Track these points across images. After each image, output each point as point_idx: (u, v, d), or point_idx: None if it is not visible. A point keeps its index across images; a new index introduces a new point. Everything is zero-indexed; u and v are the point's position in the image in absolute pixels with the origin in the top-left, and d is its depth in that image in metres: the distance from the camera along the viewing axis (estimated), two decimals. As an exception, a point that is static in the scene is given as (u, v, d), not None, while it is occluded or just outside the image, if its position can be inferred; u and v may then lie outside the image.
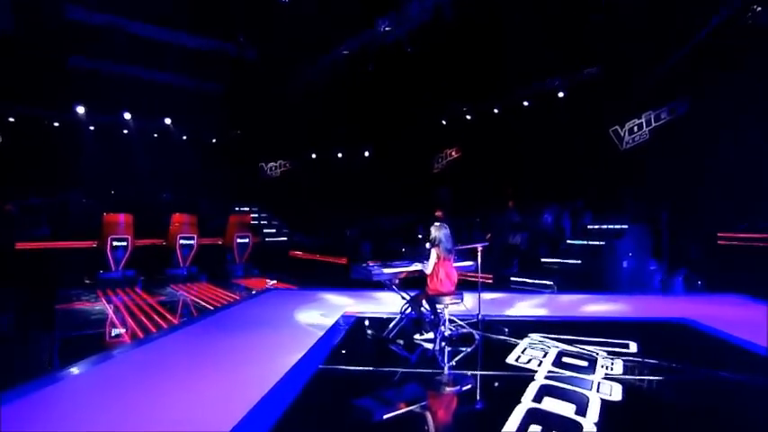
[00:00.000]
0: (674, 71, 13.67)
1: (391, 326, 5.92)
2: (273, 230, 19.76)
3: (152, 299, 9.80)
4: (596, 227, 13.23)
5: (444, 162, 20.42)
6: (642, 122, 15.35)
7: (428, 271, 5.65)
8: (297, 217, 20.25)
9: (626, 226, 12.50)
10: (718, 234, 10.34)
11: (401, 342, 5.63)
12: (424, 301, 5.87)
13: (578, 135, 15.65)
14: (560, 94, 15.96)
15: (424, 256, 6.23)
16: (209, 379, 4.42)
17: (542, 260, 12.64)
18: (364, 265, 5.90)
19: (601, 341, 5.61)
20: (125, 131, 18.27)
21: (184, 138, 19.89)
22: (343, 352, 5.46)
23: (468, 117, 18.38)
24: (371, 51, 15.90)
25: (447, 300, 5.56)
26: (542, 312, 7.61)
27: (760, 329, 5.82)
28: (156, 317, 7.97)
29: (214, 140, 21.07)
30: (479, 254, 6.33)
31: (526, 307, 7.94)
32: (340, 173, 21.08)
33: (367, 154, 21.41)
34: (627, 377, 4.47)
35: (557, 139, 15.90)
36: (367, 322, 6.22)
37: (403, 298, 6.09)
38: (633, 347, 5.38)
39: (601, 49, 14.58)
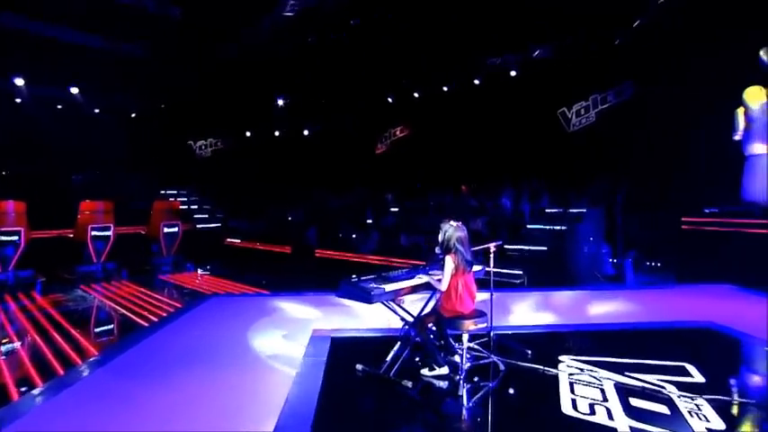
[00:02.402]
0: (621, 54, 13.00)
1: (390, 357, 4.22)
2: (205, 216, 17.13)
3: (52, 307, 7.38)
4: (554, 210, 12.34)
5: (389, 141, 18.76)
6: (589, 105, 14.66)
7: (443, 286, 4.01)
8: (232, 201, 17.74)
9: (584, 210, 11.71)
10: (682, 219, 9.64)
11: (409, 384, 3.96)
12: (430, 324, 4.27)
13: (531, 116, 14.69)
14: (512, 73, 14.81)
15: (432, 266, 4.59)
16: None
17: (505, 246, 11.49)
18: (354, 279, 4.13)
19: (650, 364, 4.32)
20: (18, 100, 14.64)
21: (97, 111, 16.50)
22: (331, 400, 3.72)
23: (417, 95, 16.77)
24: (315, 21, 13.73)
25: (468, 323, 3.98)
26: (546, 318, 6.26)
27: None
28: (54, 333, 5.72)
29: (134, 114, 17.76)
30: (492, 256, 4.80)
31: (519, 309, 6.59)
32: (279, 152, 18.72)
33: (307, 132, 19.20)
34: None
35: (509, 119, 14.84)
36: (359, 366, 4.31)
37: (403, 319, 4.42)
38: (694, 372, 4.13)
39: (551, 29, 13.56)
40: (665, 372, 4.16)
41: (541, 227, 11.80)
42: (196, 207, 17.65)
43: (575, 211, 11.67)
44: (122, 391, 3.99)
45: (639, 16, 12.30)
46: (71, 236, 11.37)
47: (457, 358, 4.35)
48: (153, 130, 17.68)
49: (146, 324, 6.39)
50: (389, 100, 17.46)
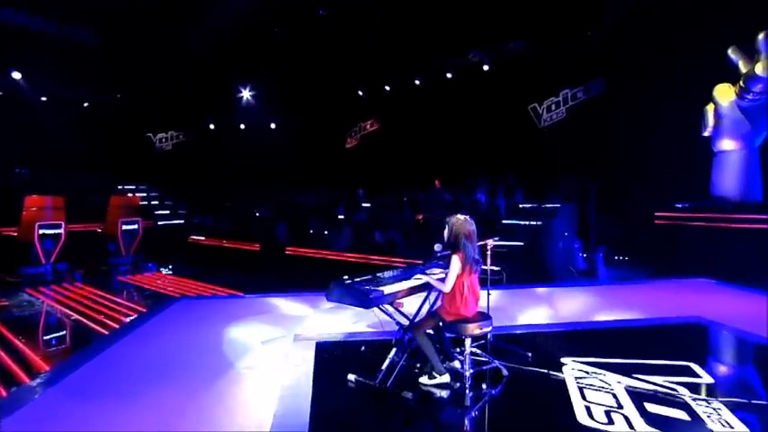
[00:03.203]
0: (591, 51, 13.07)
1: (385, 365, 3.84)
2: (167, 212, 16.17)
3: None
4: (529, 205, 12.27)
5: (360, 135, 18.32)
6: (560, 101, 14.71)
7: (446, 287, 3.66)
8: (195, 196, 16.83)
9: (558, 205, 11.70)
10: (656, 213, 9.73)
11: (409, 395, 3.60)
12: (428, 328, 3.92)
13: (502, 111, 14.62)
14: (485, 68, 14.68)
15: (428, 264, 4.24)
16: None
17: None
18: (348, 281, 3.72)
19: (655, 365, 4.14)
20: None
21: (44, 99, 15.21)
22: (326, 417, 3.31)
23: (388, 88, 16.40)
24: (282, 10, 13.13)
25: (472, 327, 3.65)
26: (535, 317, 6.02)
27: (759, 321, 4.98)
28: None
29: (86, 104, 16.50)
30: (489, 252, 4.51)
31: (505, 308, 6.35)
32: (245, 146, 17.90)
33: (274, 126, 18.48)
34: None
35: (481, 114, 14.71)
36: (352, 377, 3.88)
37: (398, 323, 4.05)
38: (700, 372, 3.97)
39: (525, 23, 13.50)
40: (671, 372, 3.99)
41: (517, 222, 11.71)
42: (157, 203, 16.63)
43: (549, 206, 11.63)
44: (79, 415, 3.43)
45: (610, 12, 12.37)
46: (15, 234, 10.35)
47: (457, 364, 4.03)
48: (108, 121, 16.50)
49: (105, 332, 5.75)
50: (360, 93, 17.01)
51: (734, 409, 3.30)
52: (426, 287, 3.97)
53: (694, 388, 3.65)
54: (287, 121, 17.83)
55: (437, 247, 4.01)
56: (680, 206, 9.41)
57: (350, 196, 15.51)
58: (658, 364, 4.15)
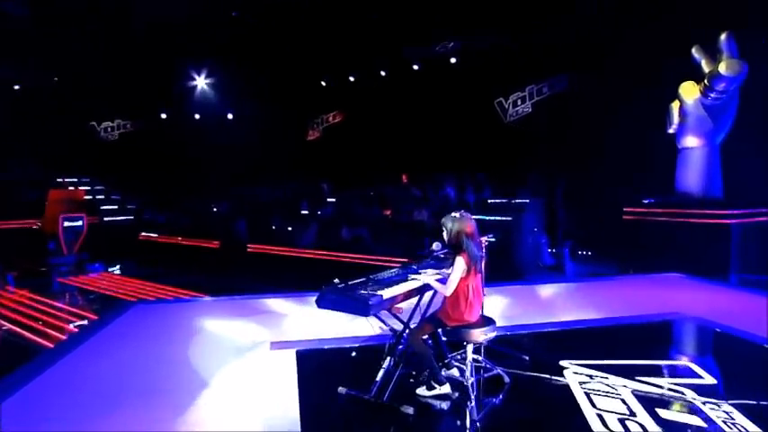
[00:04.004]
0: (557, 45, 13.20)
1: (380, 377, 3.50)
2: (114, 207, 15.03)
3: None
4: (497, 201, 12.28)
5: (322, 127, 17.80)
6: (525, 95, 14.82)
7: (448, 290, 3.37)
8: (146, 190, 15.75)
9: (527, 200, 11.77)
10: (624, 209, 9.89)
11: (410, 410, 3.28)
12: (423, 333, 3.61)
13: (469, 105, 14.56)
14: (452, 60, 14.56)
15: (422, 264, 3.93)
16: None
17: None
18: (341, 284, 3.33)
19: (654, 365, 4.05)
20: None
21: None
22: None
23: (352, 79, 15.97)
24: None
25: (477, 334, 3.38)
26: (521, 317, 5.83)
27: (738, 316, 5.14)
28: None
29: (17, 87, 14.99)
30: (484, 251, 4.24)
31: (488, 307, 6.16)
32: (200, 137, 16.93)
33: (231, 116, 17.61)
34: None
35: (447, 107, 14.60)
36: (343, 390, 3.51)
37: (393, 330, 3.73)
38: (701, 372, 3.90)
39: (492, 15, 13.46)
40: (672, 373, 3.90)
41: (487, 218, 11.67)
42: (102, 197, 15.42)
43: (518, 201, 11.66)
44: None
45: (576, 7, 12.48)
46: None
47: (455, 372, 3.77)
48: (43, 106, 15.07)
49: (45, 343, 5.08)
50: (323, 83, 16.48)
51: (744, 411, 3.21)
52: (423, 289, 3.66)
53: (699, 389, 3.56)
54: (245, 111, 17.02)
55: (436, 245, 3.73)
56: (646, 202, 9.61)
57: (313, 191, 15.01)
58: (657, 365, 4.06)
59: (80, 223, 10.64)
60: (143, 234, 13.33)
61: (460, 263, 3.31)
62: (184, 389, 3.65)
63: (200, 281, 8.39)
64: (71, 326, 6.17)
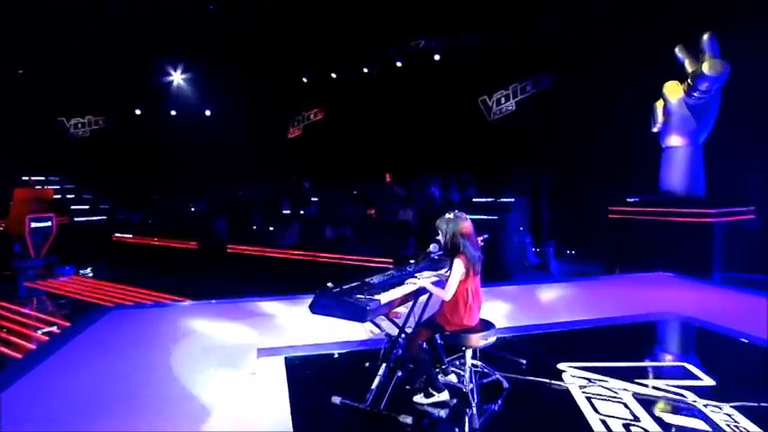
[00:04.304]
0: (541, 44, 13.27)
1: (375, 384, 3.37)
2: (86, 207, 14.50)
3: None
4: (483, 200, 12.26)
5: (303, 125, 17.55)
6: (509, 93, 14.87)
7: (447, 295, 3.26)
8: (120, 189, 15.26)
9: (513, 199, 11.79)
10: (610, 208, 9.98)
11: (408, 419, 3.16)
12: (421, 338, 3.50)
13: (452, 102, 14.54)
14: (436, 57, 14.51)
15: (422, 265, 3.81)
16: None
17: (438, 238, 11.11)
18: (335, 289, 3.19)
19: (651, 367, 4.03)
20: None
21: None
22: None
23: (334, 75, 15.77)
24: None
25: (477, 338, 3.29)
26: (512, 319, 5.79)
27: (731, 316, 5.17)
28: None
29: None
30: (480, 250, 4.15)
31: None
32: (176, 134, 16.48)
33: (209, 113, 17.21)
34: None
35: (431, 105, 14.55)
36: (337, 399, 3.36)
37: (388, 335, 3.61)
38: (698, 373, 3.89)
39: (476, 12, 13.46)
40: (670, 375, 3.89)
41: (472, 217, 11.63)
42: (73, 196, 14.85)
43: (504, 200, 11.67)
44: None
45: (559, 6, 12.56)
46: None
47: (452, 378, 3.67)
48: (9, 101, 14.42)
49: (15, 355, 4.79)
50: (304, 80, 16.24)
51: (747, 414, 3.20)
52: (420, 292, 3.54)
53: (699, 391, 3.54)
54: (224, 108, 16.64)
55: (433, 247, 3.61)
56: (631, 200, 9.70)
57: (294, 189, 14.78)
58: (654, 366, 4.05)
59: (49, 224, 10.20)
60: (117, 235, 12.89)
61: (459, 265, 3.21)
62: (166, 401, 3.45)
63: (178, 284, 8.12)
64: (39, 332, 5.88)
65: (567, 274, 10.24)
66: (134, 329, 5.11)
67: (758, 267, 8.50)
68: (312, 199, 13.64)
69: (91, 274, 9.89)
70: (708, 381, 3.73)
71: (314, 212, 12.63)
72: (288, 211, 13.22)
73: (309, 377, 3.87)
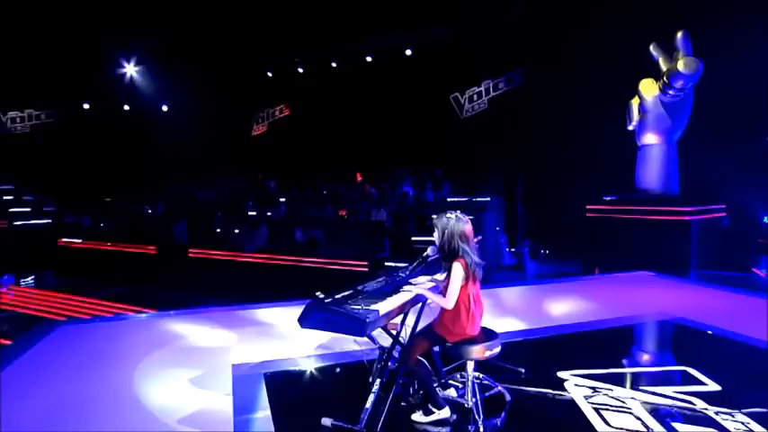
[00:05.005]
0: (512, 40, 13.34)
1: (369, 403, 3.09)
2: (27, 210, 13.50)
3: None
4: (457, 199, 12.16)
5: (268, 122, 17.04)
6: (482, 91, 14.90)
7: (449, 303, 3.03)
8: (66, 190, 14.32)
9: (488, 198, 11.74)
10: (587, 207, 10.07)
11: (408, 441, 2.92)
12: (418, 351, 3.25)
13: (424, 100, 14.43)
14: (407, 53, 14.36)
15: (419, 270, 3.57)
16: None
17: (413, 239, 10.94)
18: (327, 299, 2.89)
19: (654, 372, 3.94)
20: None
21: None
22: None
23: (301, 70, 15.37)
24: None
25: (480, 350, 3.08)
26: (501, 324, 5.64)
27: (724, 316, 5.20)
28: None
29: None
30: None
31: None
32: (130, 131, 15.63)
33: (166, 108, 16.44)
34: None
35: (402, 101, 14.39)
36: (328, 421, 3.05)
37: (381, 347, 3.35)
38: (702, 377, 3.83)
39: (447, 7, 13.41)
40: (673, 380, 3.80)
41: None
42: (11, 198, 13.80)
43: (479, 200, 11.60)
44: None
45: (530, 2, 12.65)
46: None
47: (452, 392, 3.45)
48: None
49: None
50: (269, 74, 15.75)
51: (760, 421, 3.12)
52: (416, 300, 3.30)
53: (707, 397, 3.46)
54: (182, 103, 15.92)
55: (430, 250, 3.38)
56: (607, 199, 9.81)
57: (259, 189, 14.28)
58: (656, 372, 3.96)
59: (-15, 229, 9.38)
60: (64, 240, 12.03)
61: (459, 270, 2.99)
62: (130, 429, 3.07)
63: (135, 293, 7.59)
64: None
65: (544, 274, 10.25)
66: (87, 347, 4.63)
67: (731, 264, 8.78)
68: (280, 199, 13.20)
69: (33, 284, 9.15)
70: (713, 385, 3.67)
71: (282, 213, 12.21)
72: (254, 213, 12.73)
73: (294, 396, 3.56)
